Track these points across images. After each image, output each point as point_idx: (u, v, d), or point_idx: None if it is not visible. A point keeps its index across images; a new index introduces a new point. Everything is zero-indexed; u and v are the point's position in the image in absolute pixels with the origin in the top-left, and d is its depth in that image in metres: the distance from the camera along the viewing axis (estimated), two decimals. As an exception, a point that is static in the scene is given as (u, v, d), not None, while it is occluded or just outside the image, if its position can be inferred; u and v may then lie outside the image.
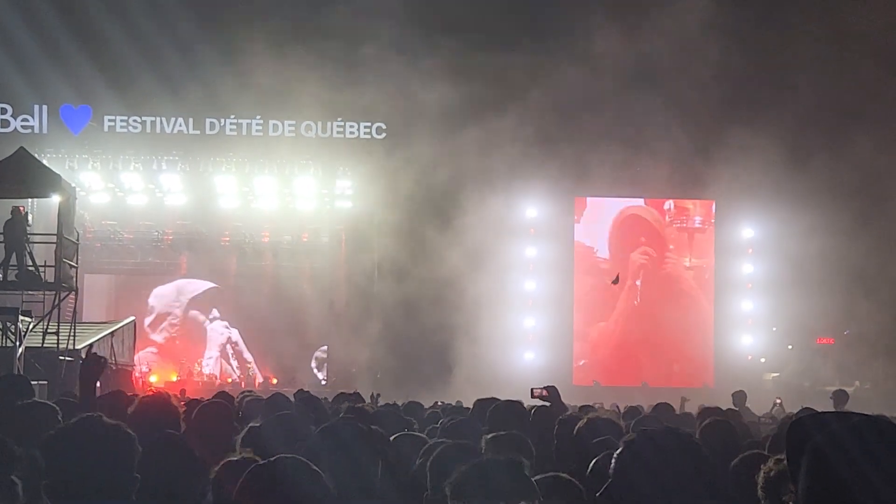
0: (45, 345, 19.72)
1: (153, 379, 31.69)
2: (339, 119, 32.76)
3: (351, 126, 32.95)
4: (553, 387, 8.59)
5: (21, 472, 4.09)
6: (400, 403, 12.71)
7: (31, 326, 19.56)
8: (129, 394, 7.95)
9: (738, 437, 6.31)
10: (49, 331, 19.84)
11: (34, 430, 4.98)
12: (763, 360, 34.03)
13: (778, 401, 19.87)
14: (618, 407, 15.54)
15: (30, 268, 19.94)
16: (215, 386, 29.16)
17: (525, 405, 7.26)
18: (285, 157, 32.60)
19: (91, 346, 22.23)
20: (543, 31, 32.05)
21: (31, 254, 20.12)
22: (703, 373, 33.46)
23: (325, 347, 35.09)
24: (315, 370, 35.28)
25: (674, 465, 2.90)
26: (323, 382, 33.61)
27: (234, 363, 35.57)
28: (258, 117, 32.66)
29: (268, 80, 30.44)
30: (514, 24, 32.00)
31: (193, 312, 36.05)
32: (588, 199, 34.67)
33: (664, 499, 2.87)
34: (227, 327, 35.94)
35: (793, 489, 1.90)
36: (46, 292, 20.09)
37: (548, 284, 33.85)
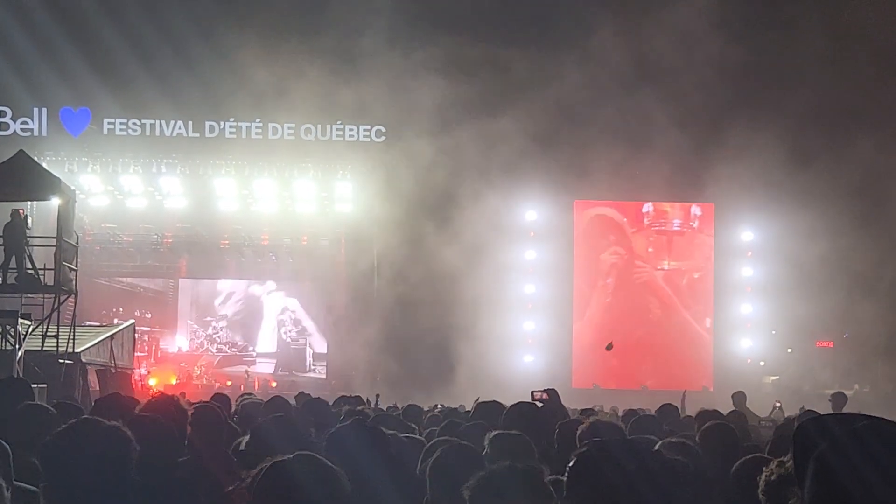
0: (44, 348, 19.69)
1: (152, 382, 31.67)
2: (339, 122, 32.77)
3: (350, 129, 32.96)
4: (553, 390, 8.61)
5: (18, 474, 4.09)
6: (400, 406, 12.73)
7: (30, 329, 19.54)
8: (128, 397, 7.94)
9: (738, 441, 6.30)
10: (49, 334, 19.81)
11: (32, 434, 4.97)
12: (762, 363, 34.02)
13: (777, 404, 19.87)
14: (617, 410, 15.53)
15: (29, 271, 19.92)
16: (214, 389, 29.12)
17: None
18: (285, 159, 32.61)
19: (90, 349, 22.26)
20: (543, 34, 32.07)
21: (30, 257, 20.10)
22: (702, 376, 33.46)
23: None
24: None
25: (627, 476, 2.87)
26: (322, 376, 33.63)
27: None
28: (257, 120, 32.67)
29: (267, 83, 30.47)
30: (514, 27, 32.04)
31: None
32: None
33: None
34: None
35: (798, 493, 1.90)
36: (46, 295, 20.07)
37: (547, 287, 33.84)
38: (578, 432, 5.77)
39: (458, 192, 30.65)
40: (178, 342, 35.93)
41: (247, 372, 34.81)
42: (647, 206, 34.58)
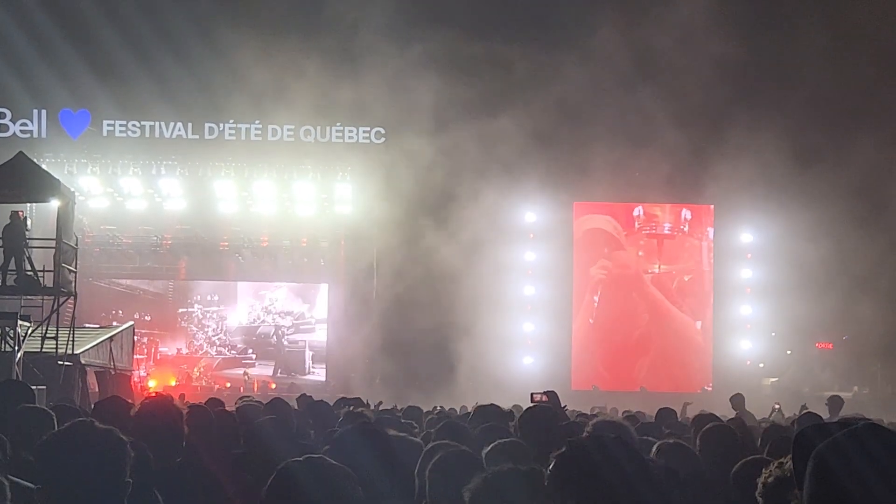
0: (43, 349, 19.69)
1: (152, 384, 31.68)
2: (338, 123, 32.78)
3: (350, 130, 32.96)
4: (553, 392, 8.62)
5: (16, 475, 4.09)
6: (399, 407, 12.73)
7: (29, 331, 19.55)
8: (128, 399, 7.95)
9: (737, 443, 6.30)
10: (48, 335, 19.81)
11: (29, 435, 4.98)
12: (762, 364, 34.01)
13: (777, 406, 19.86)
14: (616, 411, 15.55)
15: (29, 272, 19.93)
16: (213, 391, 29.15)
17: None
18: (284, 161, 32.61)
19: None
20: (542, 34, 32.06)
21: (29, 258, 20.11)
22: (702, 377, 33.47)
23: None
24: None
25: (606, 474, 2.86)
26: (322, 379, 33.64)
27: (292, 334, 35.75)
28: (257, 122, 32.67)
29: (266, 85, 30.49)
30: (514, 27, 32.04)
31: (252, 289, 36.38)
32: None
33: None
34: (284, 298, 36.22)
35: (797, 494, 1.91)
36: (45, 297, 20.07)
37: (547, 289, 33.85)
38: (585, 434, 5.77)
39: (458, 193, 30.66)
40: (177, 344, 35.93)
41: (246, 374, 34.81)
42: (638, 210, 34.58)
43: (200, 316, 36.11)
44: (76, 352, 20.90)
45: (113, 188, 32.92)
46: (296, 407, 10.27)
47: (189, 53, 30.73)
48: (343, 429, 4.64)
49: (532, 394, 8.87)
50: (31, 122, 32.23)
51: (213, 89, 31.71)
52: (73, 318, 21.09)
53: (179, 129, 32.69)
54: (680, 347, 33.92)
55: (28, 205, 23.10)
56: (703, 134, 31.19)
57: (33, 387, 7.58)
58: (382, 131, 32.84)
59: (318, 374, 35.11)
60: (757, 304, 34.00)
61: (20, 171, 19.56)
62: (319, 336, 35.61)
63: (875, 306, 29.42)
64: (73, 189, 23.02)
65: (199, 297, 36.26)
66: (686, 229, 34.74)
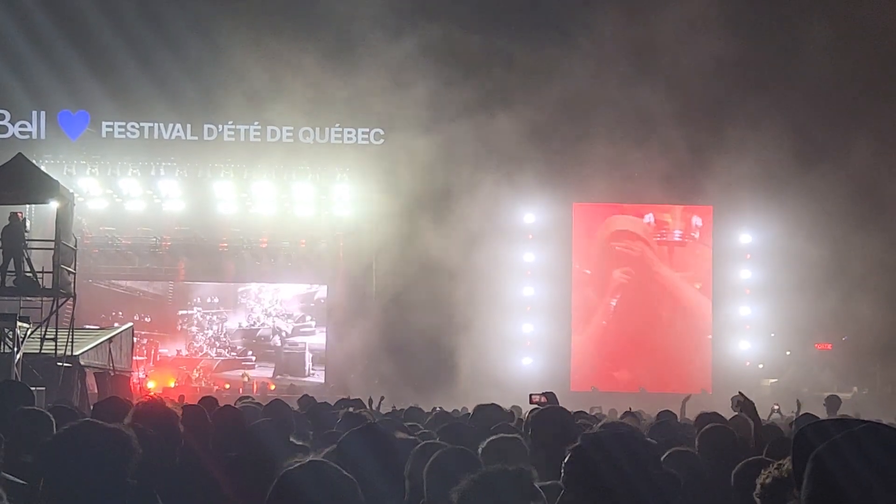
0: (42, 351, 19.66)
1: (151, 385, 31.66)
2: (337, 124, 32.78)
3: (349, 131, 32.96)
4: (552, 393, 8.61)
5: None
6: (397, 408, 12.72)
7: (28, 332, 19.53)
8: (127, 400, 7.94)
9: (737, 443, 6.30)
10: (47, 337, 19.78)
11: (27, 437, 4.97)
12: (761, 365, 34.00)
13: (776, 407, 19.86)
14: (615, 413, 15.53)
15: (28, 274, 19.90)
16: (212, 393, 29.09)
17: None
18: (283, 162, 32.61)
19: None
20: (541, 34, 32.06)
21: (28, 260, 20.08)
22: (701, 378, 33.44)
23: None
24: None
25: (620, 467, 2.87)
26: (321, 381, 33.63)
27: (291, 336, 35.76)
28: (256, 123, 32.68)
29: (265, 86, 30.48)
30: (514, 27, 32.04)
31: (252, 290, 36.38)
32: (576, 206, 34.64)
33: (615, 500, 2.84)
34: (284, 300, 36.25)
35: (796, 494, 1.91)
36: (44, 298, 20.05)
37: (546, 290, 33.84)
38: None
39: (457, 194, 30.65)
40: (177, 346, 35.92)
41: (245, 375, 34.79)
42: (649, 217, 34.59)
43: (200, 318, 36.10)
44: (75, 353, 20.87)
45: (112, 189, 32.91)
46: (296, 408, 10.28)
47: (188, 55, 30.75)
48: (347, 431, 4.63)
49: (531, 395, 8.85)
50: (31, 123, 32.22)
51: (211, 90, 31.71)
52: (73, 319, 21.05)
53: (178, 131, 32.69)
54: (681, 348, 33.88)
55: (27, 206, 23.06)
56: (702, 134, 31.20)
57: (32, 388, 7.58)
58: (381, 132, 32.84)
59: (318, 376, 35.09)
60: (756, 304, 34.00)
61: (19, 172, 19.53)
62: (319, 338, 35.60)
63: (874, 307, 29.42)
64: (72, 190, 22.99)
65: (199, 298, 36.25)
66: (697, 236, 34.72)
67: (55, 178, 21.35)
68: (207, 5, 31.90)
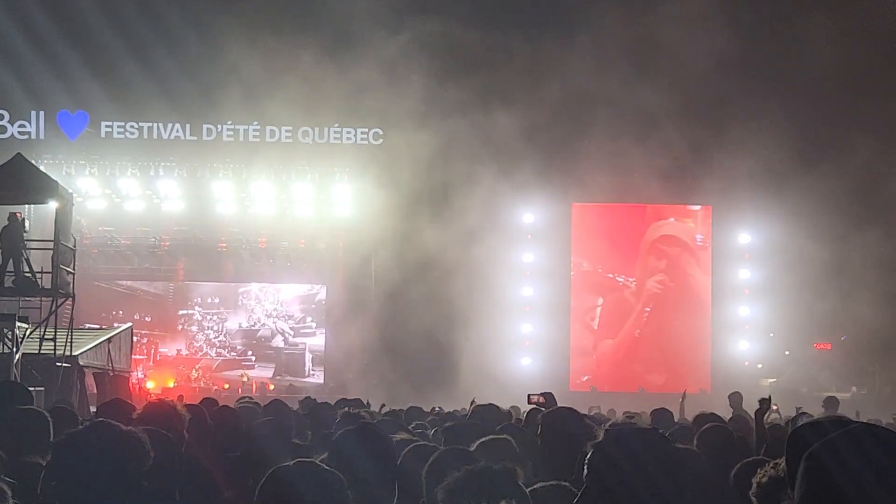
0: (41, 351, 19.67)
1: (150, 385, 31.66)
2: (336, 125, 32.77)
3: (348, 131, 32.96)
4: (550, 393, 8.61)
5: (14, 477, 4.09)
6: (394, 409, 12.72)
7: (27, 333, 19.53)
8: (126, 401, 7.93)
9: (735, 443, 6.30)
10: (46, 337, 19.79)
11: (25, 437, 4.98)
12: (760, 365, 33.99)
13: (774, 407, 19.87)
14: (615, 413, 15.55)
15: (27, 274, 19.91)
16: (212, 393, 29.10)
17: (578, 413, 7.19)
18: (282, 162, 32.61)
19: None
20: (541, 34, 32.07)
21: (27, 260, 20.08)
22: (700, 378, 33.43)
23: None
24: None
25: (644, 463, 2.89)
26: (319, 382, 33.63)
27: (291, 336, 35.76)
28: (255, 123, 32.68)
29: (264, 86, 30.48)
30: (514, 27, 32.04)
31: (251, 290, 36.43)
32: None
33: (639, 497, 2.85)
34: (283, 300, 36.26)
35: (790, 494, 1.92)
36: (43, 298, 20.06)
37: (545, 290, 33.84)
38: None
39: (456, 194, 30.66)
40: (176, 345, 35.93)
41: (245, 375, 34.80)
42: (654, 227, 34.65)
43: (200, 318, 36.11)
44: (74, 353, 20.88)
45: (111, 189, 32.91)
46: (296, 408, 10.29)
47: (187, 54, 30.74)
48: (341, 431, 4.64)
49: (529, 395, 8.86)
50: (30, 123, 32.22)
51: (210, 90, 31.69)
52: (71, 319, 21.06)
53: (177, 131, 32.69)
54: (681, 348, 33.87)
55: (26, 206, 23.06)
56: (701, 134, 31.20)
57: (31, 388, 7.58)
58: (380, 132, 32.84)
59: (317, 377, 35.10)
60: (755, 304, 34.00)
61: (18, 172, 19.54)
62: (318, 338, 35.61)
63: (873, 306, 29.43)
64: (71, 190, 23.01)
65: (199, 298, 36.26)
66: (700, 240, 34.69)
67: (54, 178, 21.36)
68: (207, 5, 31.91)
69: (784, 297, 32.20)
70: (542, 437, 5.51)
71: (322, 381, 34.37)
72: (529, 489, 3.73)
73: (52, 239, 19.85)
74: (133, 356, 28.48)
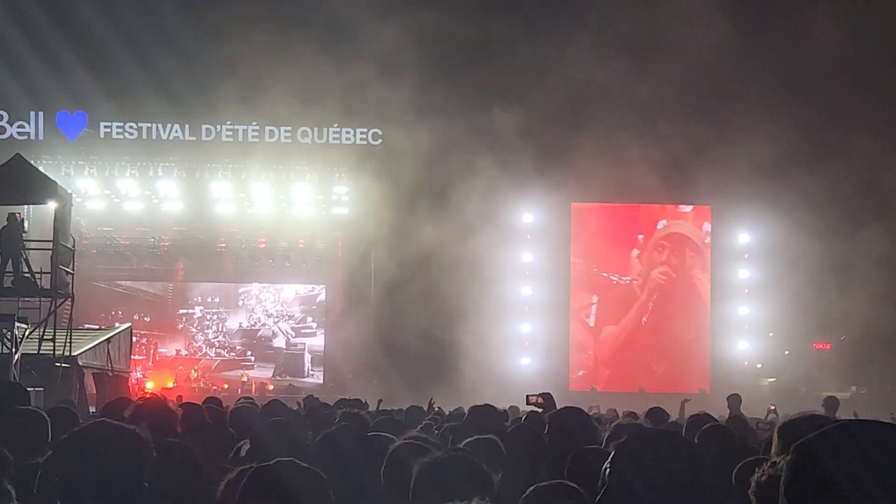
0: (41, 351, 19.66)
1: (149, 385, 31.64)
2: (335, 125, 32.76)
3: (347, 132, 32.95)
4: (548, 394, 8.60)
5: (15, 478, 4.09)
6: (398, 409, 12.73)
7: (27, 333, 19.52)
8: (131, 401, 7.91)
9: (735, 443, 6.29)
10: (45, 337, 19.78)
11: (23, 437, 4.97)
12: (759, 364, 34.00)
13: (772, 407, 19.89)
14: (615, 413, 15.53)
15: (26, 274, 19.90)
16: (211, 393, 29.08)
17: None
18: (281, 162, 32.60)
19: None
20: (540, 34, 32.07)
21: (27, 260, 20.08)
22: (699, 378, 33.44)
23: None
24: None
25: (668, 465, 2.90)
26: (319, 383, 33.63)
27: (290, 336, 35.76)
28: (254, 123, 32.66)
29: (264, 86, 30.46)
30: (511, 26, 32.03)
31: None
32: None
33: (663, 500, 2.86)
34: (282, 300, 36.23)
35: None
36: (42, 299, 20.05)
37: (545, 290, 33.83)
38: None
39: (455, 194, 30.65)
40: (176, 345, 35.92)
41: (244, 376, 34.80)
42: (662, 223, 34.62)
43: (200, 318, 36.11)
44: (73, 353, 20.87)
45: (110, 190, 32.91)
46: (296, 408, 10.28)
47: (186, 55, 30.73)
48: (327, 430, 4.67)
49: (527, 396, 8.85)
50: (29, 123, 32.21)
51: (209, 91, 31.69)
52: (71, 319, 21.06)
53: (176, 131, 32.68)
54: (680, 348, 33.87)
55: (25, 207, 23.04)
56: (700, 134, 31.19)
57: (31, 389, 7.58)
58: (379, 133, 32.83)
59: (317, 377, 35.09)
60: (754, 304, 33.99)
61: (17, 172, 19.54)
62: (318, 339, 35.61)
63: (873, 306, 29.42)
64: (70, 191, 23.00)
65: (199, 298, 36.26)
66: (708, 241, 34.71)
67: (53, 178, 21.37)
68: (206, 5, 31.89)
69: (783, 297, 32.19)
70: (550, 437, 5.52)
71: (322, 382, 34.36)
72: (533, 487, 3.76)
73: (52, 239, 19.85)
74: (132, 356, 28.46)
